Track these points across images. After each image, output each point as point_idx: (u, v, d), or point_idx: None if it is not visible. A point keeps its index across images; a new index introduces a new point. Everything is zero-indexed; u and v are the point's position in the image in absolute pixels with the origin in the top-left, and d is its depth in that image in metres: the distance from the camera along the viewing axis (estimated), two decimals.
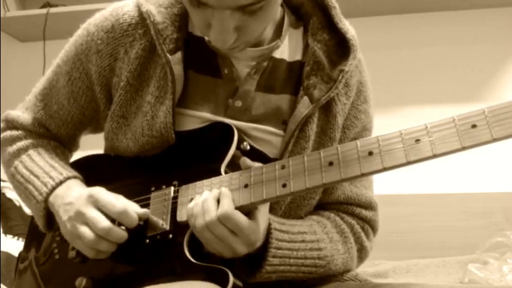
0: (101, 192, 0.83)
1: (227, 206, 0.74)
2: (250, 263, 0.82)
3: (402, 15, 2.23)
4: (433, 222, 2.03)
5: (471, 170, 2.01)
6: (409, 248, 1.99)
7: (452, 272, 1.72)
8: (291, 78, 0.91)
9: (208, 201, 0.75)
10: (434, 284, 1.43)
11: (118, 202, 0.81)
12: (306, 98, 0.87)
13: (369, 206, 0.97)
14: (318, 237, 0.87)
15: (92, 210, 0.81)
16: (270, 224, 0.81)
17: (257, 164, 0.80)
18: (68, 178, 0.91)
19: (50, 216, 0.91)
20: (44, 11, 2.27)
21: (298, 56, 0.92)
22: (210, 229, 0.74)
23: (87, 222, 0.80)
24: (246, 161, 0.80)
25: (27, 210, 1.88)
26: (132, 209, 0.81)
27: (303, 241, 0.84)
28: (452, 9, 2.18)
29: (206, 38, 0.86)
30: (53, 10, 2.26)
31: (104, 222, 0.79)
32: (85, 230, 0.80)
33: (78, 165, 0.97)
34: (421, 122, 2.20)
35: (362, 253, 0.97)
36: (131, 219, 0.80)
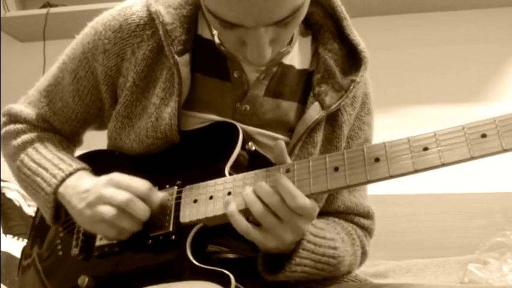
0: (120, 175, 0.83)
1: (306, 198, 0.72)
2: (273, 260, 0.81)
3: (402, 15, 2.24)
4: (433, 222, 2.03)
5: (471, 170, 2.02)
6: (409, 248, 1.99)
7: (452, 272, 1.72)
8: (299, 86, 0.91)
9: (263, 187, 0.73)
10: (434, 284, 1.43)
11: (142, 180, 0.82)
12: (316, 103, 0.87)
13: (367, 215, 0.98)
14: (333, 236, 0.87)
15: (111, 189, 0.81)
16: None
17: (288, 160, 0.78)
18: (78, 170, 0.90)
19: (57, 209, 0.91)
20: (44, 11, 2.27)
21: (306, 65, 0.92)
22: (277, 212, 0.72)
23: (107, 202, 0.80)
24: (284, 151, 0.77)
25: (27, 210, 1.89)
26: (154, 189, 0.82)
27: (324, 237, 0.83)
28: (452, 9, 2.19)
29: (216, 40, 0.87)
30: (53, 10, 2.27)
31: (124, 194, 0.79)
32: (105, 208, 0.80)
33: (81, 160, 0.96)
34: (421, 122, 2.20)
35: (363, 257, 0.98)
36: (157, 197, 0.81)
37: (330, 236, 0.85)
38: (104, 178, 0.84)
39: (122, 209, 0.79)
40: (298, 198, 0.71)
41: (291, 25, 0.74)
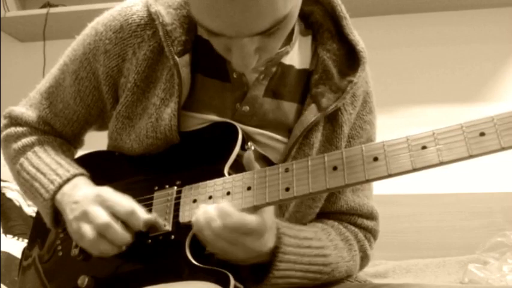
0: (108, 192, 0.82)
1: (234, 214, 0.73)
2: (256, 270, 0.82)
3: (402, 15, 2.23)
4: (433, 222, 2.03)
5: (471, 170, 2.02)
6: (409, 248, 1.99)
7: (452, 272, 1.72)
8: (298, 86, 0.91)
9: (208, 212, 0.74)
10: (434, 284, 1.43)
11: (126, 203, 0.80)
12: (313, 105, 0.87)
13: (370, 216, 0.98)
14: (323, 243, 0.87)
15: (95, 208, 0.80)
16: (278, 229, 0.81)
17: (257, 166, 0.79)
18: (75, 175, 0.90)
19: (56, 214, 0.91)
20: (44, 11, 2.27)
21: (306, 64, 0.92)
22: (221, 237, 0.73)
23: (89, 221, 0.80)
24: (250, 156, 0.79)
25: (27, 210, 1.89)
26: (140, 211, 0.80)
27: (309, 247, 0.84)
28: (452, 9, 2.18)
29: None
30: (53, 10, 2.27)
31: (103, 218, 0.78)
32: (87, 229, 0.79)
33: (81, 162, 0.96)
34: (421, 121, 2.19)
35: (364, 261, 0.98)
36: (138, 221, 0.80)
37: (317, 245, 0.85)
38: (93, 192, 0.83)
39: (101, 233, 0.79)
40: (234, 215, 0.72)
41: (276, 35, 0.73)
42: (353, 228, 0.96)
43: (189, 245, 0.79)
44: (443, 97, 2.17)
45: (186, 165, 0.87)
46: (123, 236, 0.79)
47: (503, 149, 0.64)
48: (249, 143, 0.86)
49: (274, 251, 0.80)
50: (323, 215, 0.96)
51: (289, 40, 0.89)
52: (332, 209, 0.95)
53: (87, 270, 0.86)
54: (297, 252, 0.82)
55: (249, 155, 0.79)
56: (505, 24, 2.16)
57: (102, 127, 1.03)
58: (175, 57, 0.85)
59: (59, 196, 0.88)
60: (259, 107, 0.88)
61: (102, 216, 0.79)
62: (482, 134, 0.65)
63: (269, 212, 0.77)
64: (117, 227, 0.79)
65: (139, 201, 0.83)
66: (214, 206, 0.75)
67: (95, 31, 0.92)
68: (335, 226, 0.94)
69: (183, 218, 0.81)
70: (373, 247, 1.00)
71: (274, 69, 0.89)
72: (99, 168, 0.95)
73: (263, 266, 0.81)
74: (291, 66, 0.90)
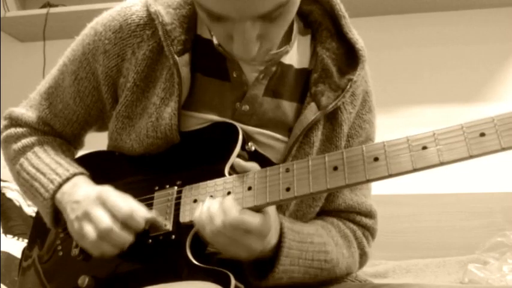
0: (109, 193, 0.82)
1: (234, 212, 0.73)
2: (259, 266, 0.82)
3: (402, 15, 2.24)
4: (433, 222, 2.03)
5: (471, 170, 2.02)
6: (409, 248, 1.99)
7: (452, 272, 1.72)
8: (297, 86, 0.91)
9: (211, 208, 0.74)
10: (434, 284, 1.44)
11: (125, 205, 0.80)
12: (313, 104, 0.87)
13: (369, 214, 0.98)
14: (324, 240, 0.87)
15: (97, 210, 0.80)
16: (282, 223, 0.81)
17: (253, 165, 0.79)
18: (75, 175, 0.90)
19: (57, 213, 0.91)
20: (44, 11, 2.27)
21: (305, 64, 0.92)
22: (222, 234, 0.73)
23: (91, 222, 0.80)
24: (240, 163, 0.80)
25: (27, 210, 1.89)
26: (139, 212, 0.80)
27: (311, 242, 0.84)
28: (452, 9, 2.19)
29: (214, 41, 0.86)
30: (53, 10, 2.27)
31: (105, 223, 0.78)
32: (89, 230, 0.79)
33: (81, 162, 0.96)
34: (421, 121, 2.19)
35: (363, 259, 0.98)
36: (136, 224, 0.80)
37: (319, 241, 0.85)
38: (95, 192, 0.83)
39: (102, 236, 0.79)
40: (233, 212, 0.72)
41: (278, 21, 0.73)
42: (351, 225, 0.96)
43: (189, 245, 0.79)
44: (443, 97, 2.17)
45: (186, 165, 0.87)
46: (124, 238, 0.79)
47: (503, 149, 0.64)
48: (249, 144, 0.86)
49: (279, 246, 0.80)
50: (322, 213, 0.96)
51: (288, 39, 0.89)
52: (330, 208, 0.95)
53: (87, 270, 0.86)
54: (300, 248, 0.82)
55: (238, 162, 0.80)
56: (505, 24, 2.16)
57: (102, 128, 1.03)
58: (175, 56, 0.85)
59: (58, 195, 0.88)
60: (259, 106, 0.88)
61: (104, 220, 0.79)
62: (482, 135, 0.65)
63: (272, 211, 0.78)
64: (119, 231, 0.79)
65: (139, 202, 0.83)
66: (218, 201, 0.75)
67: (94, 31, 0.92)
68: (334, 223, 0.94)
69: (184, 218, 0.81)
70: (372, 245, 1.00)
71: (273, 68, 0.89)
72: (99, 168, 0.95)
73: (266, 261, 0.81)
74: (290, 66, 0.90)
